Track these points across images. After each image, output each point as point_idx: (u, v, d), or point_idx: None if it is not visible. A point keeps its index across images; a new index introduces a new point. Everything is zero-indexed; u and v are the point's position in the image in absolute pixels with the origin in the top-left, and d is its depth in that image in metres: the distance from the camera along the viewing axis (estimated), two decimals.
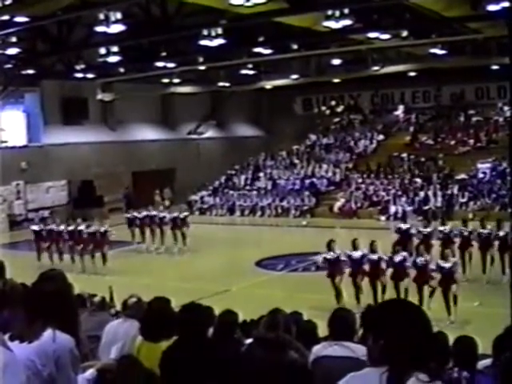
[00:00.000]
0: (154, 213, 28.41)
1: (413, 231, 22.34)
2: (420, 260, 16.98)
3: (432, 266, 16.69)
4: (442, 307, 15.78)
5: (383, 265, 17.36)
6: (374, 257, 17.42)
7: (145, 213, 28.42)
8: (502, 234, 19.86)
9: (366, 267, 17.62)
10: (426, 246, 20.09)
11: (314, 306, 16.38)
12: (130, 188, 42.43)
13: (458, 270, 17.27)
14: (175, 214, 27.94)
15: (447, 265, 16.44)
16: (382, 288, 17.26)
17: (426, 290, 16.61)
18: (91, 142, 40.47)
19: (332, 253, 17.96)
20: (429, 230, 22.01)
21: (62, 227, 25.22)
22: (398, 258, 17.25)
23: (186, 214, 28.44)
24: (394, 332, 2.93)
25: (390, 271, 17.38)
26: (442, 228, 21.74)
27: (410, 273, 16.96)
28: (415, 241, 21.70)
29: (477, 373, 6.30)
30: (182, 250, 27.23)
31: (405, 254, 17.69)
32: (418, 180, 37.37)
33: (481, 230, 20.79)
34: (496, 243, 20.19)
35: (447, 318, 15.56)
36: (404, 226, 22.81)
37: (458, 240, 21.04)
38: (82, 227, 24.82)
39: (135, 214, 28.70)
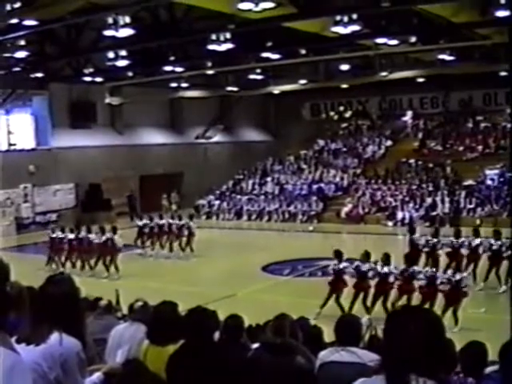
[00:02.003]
0: (163, 221, 28.33)
1: (422, 242, 22.04)
2: (430, 273, 16.82)
3: (442, 279, 16.53)
4: (447, 314, 15.72)
5: (391, 279, 17.21)
6: (384, 270, 17.24)
7: (155, 221, 28.35)
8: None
9: (372, 282, 17.53)
10: (433, 258, 20.06)
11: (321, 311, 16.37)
12: (137, 192, 42.45)
13: (468, 283, 17.06)
14: (182, 223, 27.90)
15: (457, 277, 16.35)
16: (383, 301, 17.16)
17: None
18: (99, 145, 40.54)
19: (340, 263, 17.84)
20: (436, 240, 21.73)
21: (74, 235, 25.26)
22: (408, 272, 17.09)
23: (191, 223, 28.12)
24: (407, 339, 2.92)
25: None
26: (453, 240, 21.46)
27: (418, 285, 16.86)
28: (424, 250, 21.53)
29: (483, 378, 6.28)
30: (187, 256, 27.17)
31: (415, 267, 17.56)
32: (429, 186, 37.26)
33: (492, 242, 20.47)
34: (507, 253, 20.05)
35: (454, 326, 15.51)
36: (417, 239, 22.41)
37: (466, 251, 20.84)
38: (94, 236, 24.86)
39: (146, 222, 28.60)
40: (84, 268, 24.48)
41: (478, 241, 20.85)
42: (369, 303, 17.20)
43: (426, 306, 15.84)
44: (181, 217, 28.78)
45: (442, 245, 21.33)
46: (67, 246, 25.02)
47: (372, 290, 17.36)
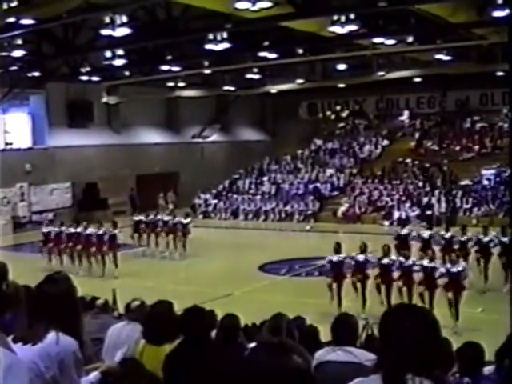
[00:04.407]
0: (158, 217, 28.35)
1: (413, 235, 22.33)
2: (428, 264, 16.85)
3: (442, 270, 16.54)
4: (444, 313, 15.69)
5: (393, 269, 17.25)
6: (386, 261, 17.29)
7: (151, 217, 28.33)
8: (504, 240, 19.80)
9: (369, 272, 17.58)
10: (426, 251, 20.11)
11: (317, 310, 16.37)
12: (134, 190, 42.42)
13: (468, 275, 16.98)
14: (177, 220, 27.89)
15: (455, 269, 16.35)
16: (387, 293, 17.19)
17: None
18: (96, 144, 40.52)
19: (338, 256, 17.89)
20: (428, 233, 21.93)
21: (72, 229, 25.24)
22: (408, 263, 17.15)
23: (188, 220, 28.01)
24: (403, 337, 2.92)
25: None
26: (443, 234, 21.71)
27: (418, 277, 16.85)
28: (416, 245, 21.67)
29: (481, 378, 6.30)
30: (182, 255, 27.14)
31: (414, 259, 17.63)
32: (425, 185, 37.31)
33: (481, 237, 20.64)
34: (497, 250, 20.14)
35: (454, 325, 15.51)
36: (403, 232, 22.74)
37: (457, 247, 20.92)
38: (91, 230, 24.82)
39: (141, 218, 28.63)
40: (81, 263, 24.43)
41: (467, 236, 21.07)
42: (367, 295, 17.30)
43: (425, 298, 15.99)
44: (175, 215, 28.78)
45: (435, 239, 21.56)
46: (65, 241, 25.01)
47: (370, 281, 17.48)
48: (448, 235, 21.51)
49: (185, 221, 27.67)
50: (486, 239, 20.50)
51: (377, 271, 17.52)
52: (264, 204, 40.29)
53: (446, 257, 19.71)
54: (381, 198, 37.63)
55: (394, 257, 17.53)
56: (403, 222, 25.94)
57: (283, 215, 39.15)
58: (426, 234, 21.96)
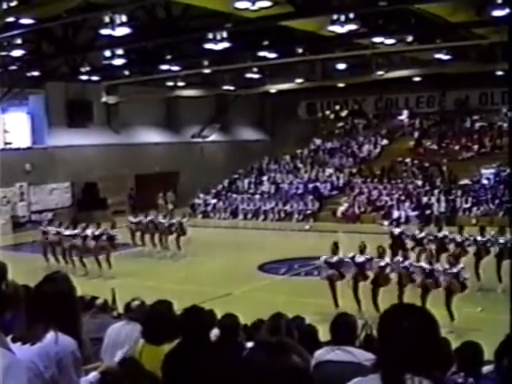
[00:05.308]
0: (155, 219, 28.30)
1: (406, 233, 22.37)
2: (427, 265, 16.84)
3: (440, 269, 16.54)
4: (443, 313, 15.68)
5: (388, 270, 17.26)
6: (381, 262, 17.30)
7: (149, 218, 28.31)
8: (501, 241, 19.79)
9: (370, 273, 17.56)
10: (420, 251, 20.09)
11: (316, 310, 16.36)
12: (134, 190, 42.44)
13: (465, 275, 16.92)
14: (173, 221, 27.86)
15: (454, 270, 16.33)
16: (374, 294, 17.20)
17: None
18: (95, 144, 40.53)
19: (335, 256, 17.91)
20: (422, 234, 21.91)
21: (69, 231, 25.20)
22: (404, 264, 17.16)
23: (183, 220, 27.97)
24: (402, 337, 2.92)
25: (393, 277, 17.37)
26: (437, 234, 21.74)
27: (416, 278, 16.86)
28: (410, 244, 21.70)
29: (480, 378, 6.30)
30: (178, 255, 27.14)
31: (411, 259, 17.63)
32: (425, 185, 37.32)
33: (478, 237, 20.59)
34: (494, 250, 20.12)
35: (449, 325, 15.49)
36: (396, 231, 22.78)
37: (452, 246, 20.96)
38: (89, 233, 24.78)
39: (139, 219, 28.62)
40: (84, 265, 24.41)
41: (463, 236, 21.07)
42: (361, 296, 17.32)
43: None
44: (172, 216, 28.78)
45: (428, 240, 21.56)
46: (63, 243, 24.97)
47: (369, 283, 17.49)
48: (441, 235, 21.56)
49: (181, 220, 27.66)
50: (484, 239, 20.46)
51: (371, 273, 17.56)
52: (263, 203, 40.29)
53: (439, 256, 19.75)
54: (380, 198, 37.64)
55: (387, 259, 17.56)
56: (398, 222, 25.72)
57: (282, 215, 39.15)
58: (418, 234, 21.96)
